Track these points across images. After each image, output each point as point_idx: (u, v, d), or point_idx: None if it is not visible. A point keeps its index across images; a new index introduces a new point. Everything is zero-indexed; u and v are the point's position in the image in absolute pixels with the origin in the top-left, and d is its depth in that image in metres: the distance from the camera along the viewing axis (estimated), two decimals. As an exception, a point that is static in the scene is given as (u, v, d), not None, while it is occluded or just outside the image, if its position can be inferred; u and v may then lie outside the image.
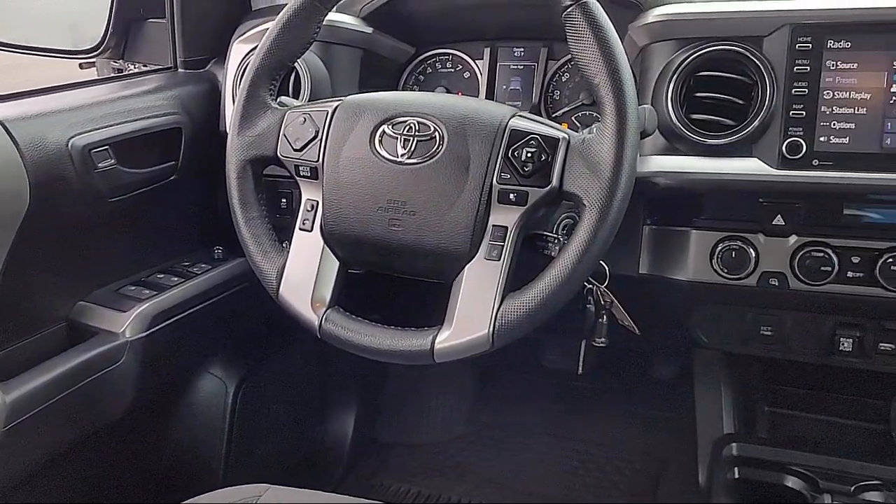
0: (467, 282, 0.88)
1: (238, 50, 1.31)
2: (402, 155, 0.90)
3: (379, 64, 1.30)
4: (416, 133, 0.90)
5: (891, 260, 1.01)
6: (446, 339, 0.87)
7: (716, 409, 1.29)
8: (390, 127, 0.92)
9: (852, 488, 1.08)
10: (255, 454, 1.48)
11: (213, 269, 1.31)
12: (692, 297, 1.17)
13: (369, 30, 1.27)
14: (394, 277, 0.98)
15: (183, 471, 1.36)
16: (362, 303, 1.06)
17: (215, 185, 1.33)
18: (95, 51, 1.44)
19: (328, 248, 0.95)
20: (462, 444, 1.83)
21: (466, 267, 0.88)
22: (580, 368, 1.21)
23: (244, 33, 1.32)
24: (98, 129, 1.12)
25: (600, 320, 1.09)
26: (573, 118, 1.25)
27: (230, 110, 1.25)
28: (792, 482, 1.13)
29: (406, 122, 0.91)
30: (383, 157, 0.91)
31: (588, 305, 1.09)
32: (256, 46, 0.99)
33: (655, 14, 1.06)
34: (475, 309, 0.86)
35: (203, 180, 1.33)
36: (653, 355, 1.78)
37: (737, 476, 1.17)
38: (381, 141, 0.92)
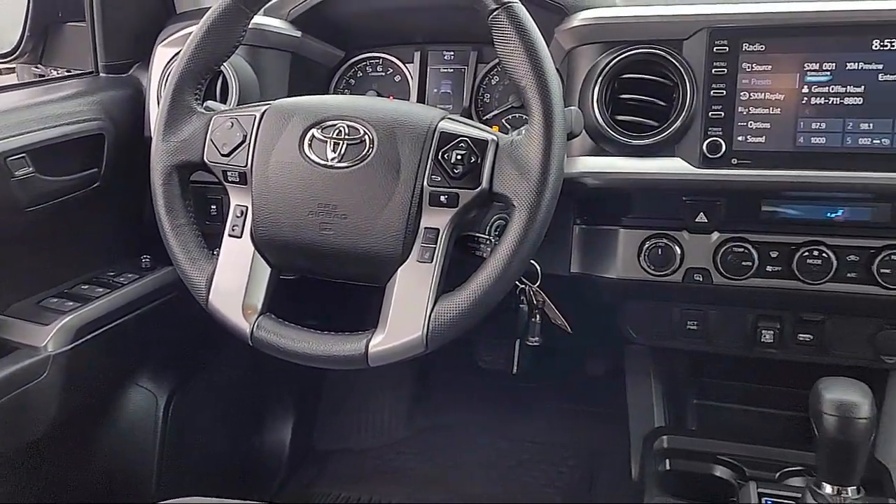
0: (400, 285, 0.88)
1: (162, 54, 1.28)
2: (333, 159, 0.90)
3: (308, 68, 1.29)
4: (346, 137, 0.90)
5: (806, 254, 1.05)
6: (380, 342, 0.87)
7: (646, 404, 1.32)
8: (320, 131, 0.91)
9: (777, 475, 1.12)
10: (188, 467, 1.44)
11: (140, 279, 1.28)
12: (622, 294, 1.20)
13: (298, 33, 1.25)
14: (329, 282, 0.97)
15: (113, 488, 1.32)
16: (298, 309, 1.05)
17: (141, 192, 1.29)
18: (11, 55, 1.38)
19: (259, 254, 0.94)
20: (401, 448, 1.83)
21: (399, 270, 0.88)
22: (515, 368, 1.23)
23: (168, 37, 1.29)
24: (14, 136, 1.08)
25: (533, 320, 1.10)
26: (504, 121, 1.26)
27: (155, 115, 1.23)
28: (720, 471, 1.17)
29: (336, 125, 0.91)
30: (313, 161, 0.90)
31: (521, 305, 1.10)
32: (181, 50, 0.97)
33: (580, 18, 1.08)
34: (409, 312, 0.87)
35: (128, 188, 1.30)
36: (586, 352, 1.81)
37: (668, 468, 1.20)
38: (310, 145, 0.91)
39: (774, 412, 1.36)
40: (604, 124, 1.04)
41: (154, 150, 0.97)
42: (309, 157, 0.91)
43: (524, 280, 1.09)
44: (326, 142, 0.90)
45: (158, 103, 1.09)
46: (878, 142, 0.96)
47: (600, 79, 1.05)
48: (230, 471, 1.61)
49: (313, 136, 0.91)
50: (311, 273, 0.96)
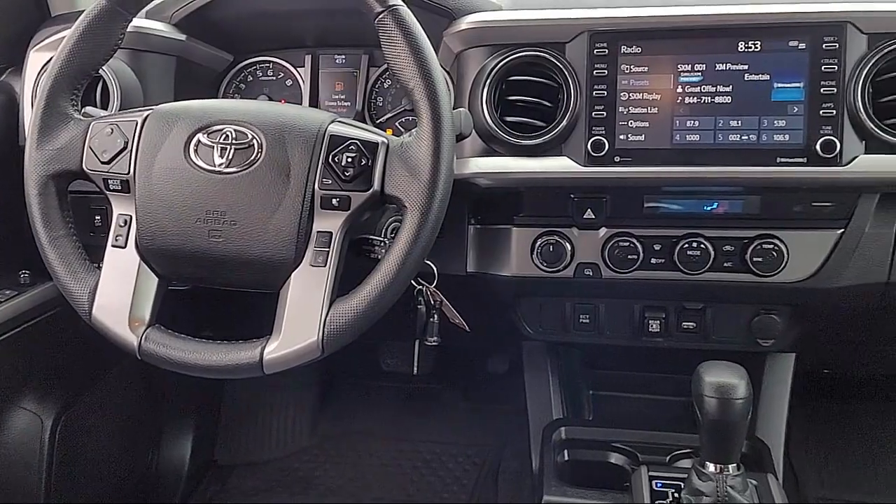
0: (294, 290, 0.87)
1: (35, 59, 1.22)
2: (220, 164, 0.88)
3: (195, 72, 1.26)
4: (234, 141, 0.88)
5: (686, 246, 1.11)
6: (275, 349, 0.86)
7: (544, 397, 1.35)
8: (206, 136, 0.89)
9: (667, 458, 1.17)
10: (80, 490, 1.38)
11: (19, 295, 1.22)
12: (517, 291, 1.23)
13: (182, 37, 1.22)
14: (224, 291, 0.95)
15: (-5, 517, 1.25)
16: (194, 321, 1.02)
17: (17, 203, 1.23)
18: None
19: (145, 265, 0.91)
20: (305, 457, 1.81)
21: (292, 275, 0.87)
22: (416, 369, 1.23)
23: (41, 41, 1.23)
24: None
25: (431, 320, 1.11)
26: (397, 124, 1.27)
27: (28, 122, 1.17)
28: (615, 458, 1.21)
29: (222, 130, 0.89)
30: (199, 166, 0.88)
31: (419, 306, 1.11)
32: (54, 55, 0.93)
33: (467, 22, 1.10)
34: (303, 317, 0.86)
35: (3, 199, 1.23)
36: (486, 351, 1.84)
37: (566, 458, 1.23)
38: (196, 150, 0.89)
39: (665, 398, 1.42)
40: (493, 125, 1.06)
41: (28, 159, 0.93)
42: (195, 163, 0.88)
43: (421, 281, 1.10)
44: (213, 147, 0.88)
45: (32, 109, 1.04)
46: (746, 138, 1.02)
47: (488, 81, 1.07)
48: (127, 491, 1.55)
49: (199, 141, 0.89)
50: (202, 282, 0.94)
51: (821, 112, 0.99)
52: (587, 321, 1.23)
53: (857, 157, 0.98)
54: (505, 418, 1.76)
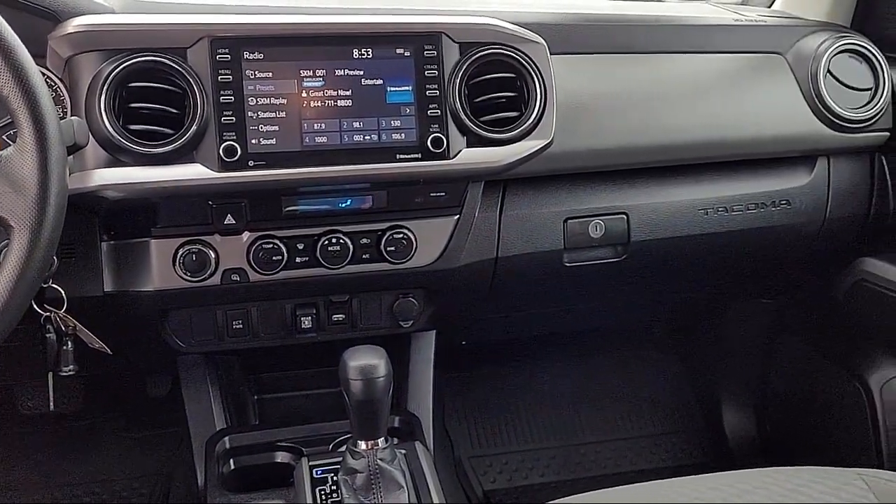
0: None
1: None
2: None
3: None
4: None
5: (326, 242, 1.16)
6: None
7: (206, 410, 1.32)
8: None
9: (330, 447, 1.23)
10: None
11: None
12: (163, 305, 1.18)
13: None
14: None
15: None
16: None
17: None
18: None
19: None
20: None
21: None
22: (52, 404, 1.13)
23: None
24: None
25: (64, 348, 1.03)
26: (5, 136, 1.14)
27: None
28: (281, 457, 1.23)
29: None
30: None
31: (48, 335, 1.02)
32: None
33: (74, 25, 1.03)
34: None
35: None
36: (143, 373, 1.74)
37: (232, 467, 1.22)
38: None
39: (328, 391, 1.48)
40: (116, 134, 1.01)
41: None
42: None
43: (48, 307, 1.00)
44: None
45: None
46: (369, 137, 1.10)
47: (106, 88, 1.01)
48: None
49: None
50: None
51: (428, 112, 1.10)
52: (240, 326, 1.23)
53: (461, 150, 1.12)
54: (172, 440, 1.68)
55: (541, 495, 0.92)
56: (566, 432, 1.90)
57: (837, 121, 1.34)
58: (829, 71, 1.35)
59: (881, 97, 1.36)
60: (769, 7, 1.60)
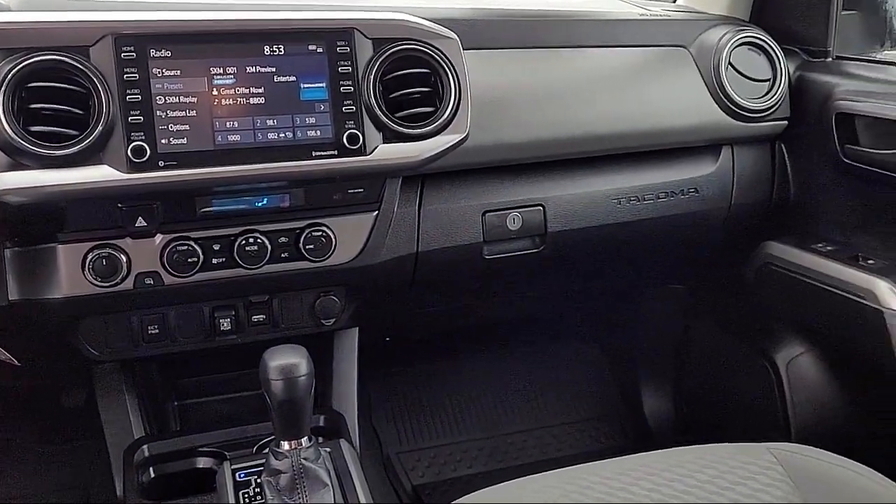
0: None
1: None
2: None
3: None
4: None
5: (244, 242, 1.15)
6: None
7: (123, 419, 1.28)
8: None
9: (253, 449, 1.21)
10: None
11: None
12: (73, 313, 1.14)
13: None
14: None
15: None
16: None
17: None
18: None
19: None
20: None
21: None
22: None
23: None
24: None
25: (-34, 360, 0.98)
26: None
27: None
28: (203, 462, 1.21)
29: None
30: None
31: (-56, 350, 0.97)
32: None
33: (-37, 23, 0.98)
34: None
35: None
36: (58, 384, 1.68)
37: (153, 475, 1.19)
38: None
39: (250, 393, 1.46)
40: (16, 137, 0.97)
41: None
42: None
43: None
44: None
45: None
46: (284, 135, 1.08)
47: (3, 88, 0.97)
48: None
49: None
50: None
51: (343, 108, 1.10)
52: (157, 332, 1.20)
53: (377, 146, 1.12)
54: (90, 452, 1.63)
55: (469, 487, 0.93)
56: (493, 423, 1.93)
57: (739, 110, 1.40)
58: (730, 63, 1.41)
59: (779, 87, 1.42)
60: (674, 2, 1.66)
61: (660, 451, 1.01)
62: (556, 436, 1.93)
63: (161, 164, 1.04)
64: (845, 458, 0.97)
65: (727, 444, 1.02)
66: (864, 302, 1.26)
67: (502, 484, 0.96)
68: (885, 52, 1.50)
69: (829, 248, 1.39)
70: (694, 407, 1.89)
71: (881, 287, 1.24)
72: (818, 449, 1.00)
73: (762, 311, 1.61)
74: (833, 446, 1.01)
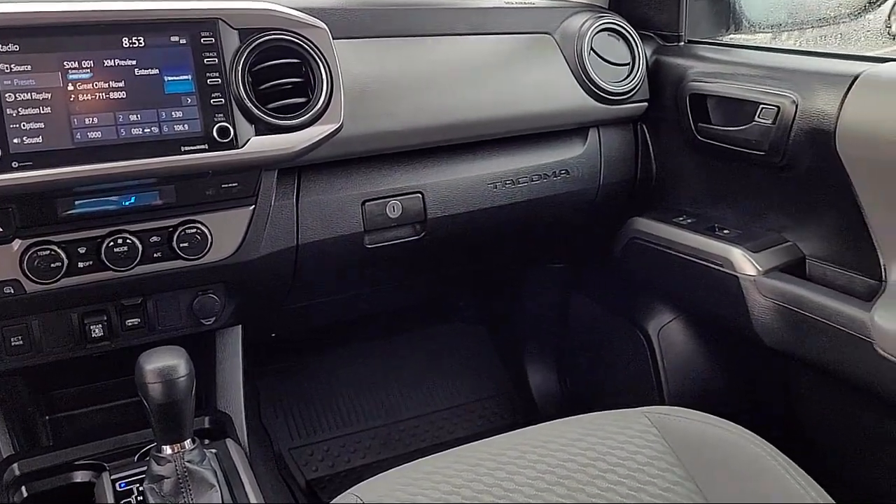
0: None
1: None
2: None
3: None
4: None
5: (112, 244, 1.10)
6: None
7: None
8: None
9: (135, 458, 1.16)
10: None
11: None
12: (-76, 328, 1.06)
13: None
14: None
15: None
16: None
17: None
18: None
19: None
20: None
21: None
22: None
23: None
24: None
25: None
26: None
27: None
28: (80, 476, 1.15)
29: None
30: None
31: None
32: None
33: None
34: None
35: None
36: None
37: (25, 495, 1.13)
38: None
39: (129, 401, 1.40)
40: None
41: None
42: None
43: None
44: None
45: None
46: (149, 130, 1.05)
47: None
48: None
49: None
50: None
51: (211, 101, 1.07)
52: (21, 343, 1.13)
53: (249, 139, 1.09)
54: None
55: (364, 476, 0.93)
56: (385, 412, 1.94)
57: (602, 94, 1.47)
58: (592, 48, 1.47)
59: (637, 71, 1.50)
60: (537, -10, 1.71)
61: (545, 423, 1.05)
62: (448, 418, 1.97)
63: (14, 164, 0.98)
64: (714, 416, 1.05)
65: (607, 412, 1.07)
66: (722, 269, 1.35)
67: (394, 469, 0.97)
68: (731, 35, 1.60)
69: (688, 220, 1.47)
70: (577, 379, 1.97)
71: (735, 254, 1.33)
72: (689, 409, 1.06)
73: (633, 284, 1.70)
74: (703, 407, 1.08)
